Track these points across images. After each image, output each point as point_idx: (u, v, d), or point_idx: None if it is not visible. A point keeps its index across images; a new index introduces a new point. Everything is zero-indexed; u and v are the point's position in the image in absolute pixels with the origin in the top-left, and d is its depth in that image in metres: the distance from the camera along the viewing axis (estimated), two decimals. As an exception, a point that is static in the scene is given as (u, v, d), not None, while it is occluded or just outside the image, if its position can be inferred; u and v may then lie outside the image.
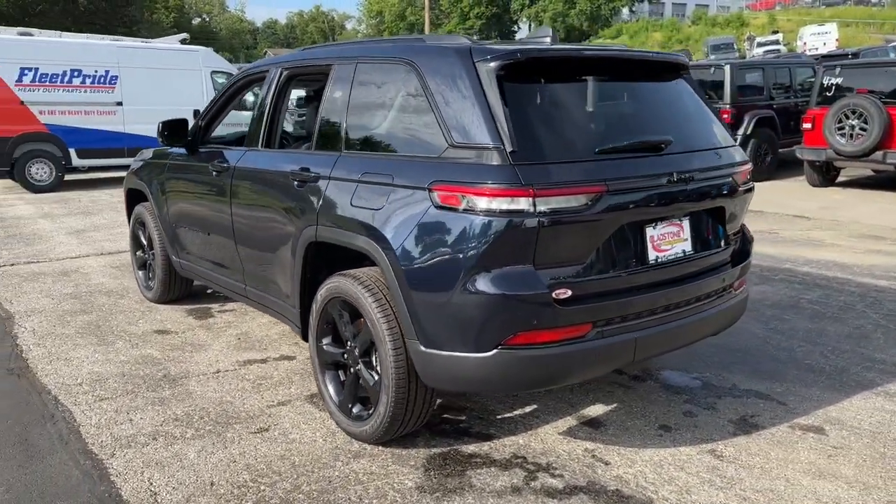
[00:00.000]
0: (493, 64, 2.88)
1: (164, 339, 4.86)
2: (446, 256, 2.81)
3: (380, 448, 3.32)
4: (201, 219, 4.71)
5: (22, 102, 11.91)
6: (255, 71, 4.49)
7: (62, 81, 12.29)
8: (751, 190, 3.55)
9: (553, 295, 2.76)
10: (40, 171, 12.30)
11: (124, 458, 3.28)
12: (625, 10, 57.91)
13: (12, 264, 7.14)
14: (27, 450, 3.38)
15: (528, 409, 3.72)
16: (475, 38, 3.64)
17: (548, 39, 3.34)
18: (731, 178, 3.33)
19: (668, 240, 3.09)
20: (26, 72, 11.94)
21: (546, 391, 3.87)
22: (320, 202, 3.42)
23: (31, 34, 13.68)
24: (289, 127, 4.23)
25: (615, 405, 3.76)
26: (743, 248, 3.58)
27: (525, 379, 2.86)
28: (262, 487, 3.02)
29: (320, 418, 3.64)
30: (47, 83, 12.14)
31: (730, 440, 3.38)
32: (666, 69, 3.50)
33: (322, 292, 3.43)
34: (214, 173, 4.43)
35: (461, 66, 2.95)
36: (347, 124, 3.49)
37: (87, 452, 3.33)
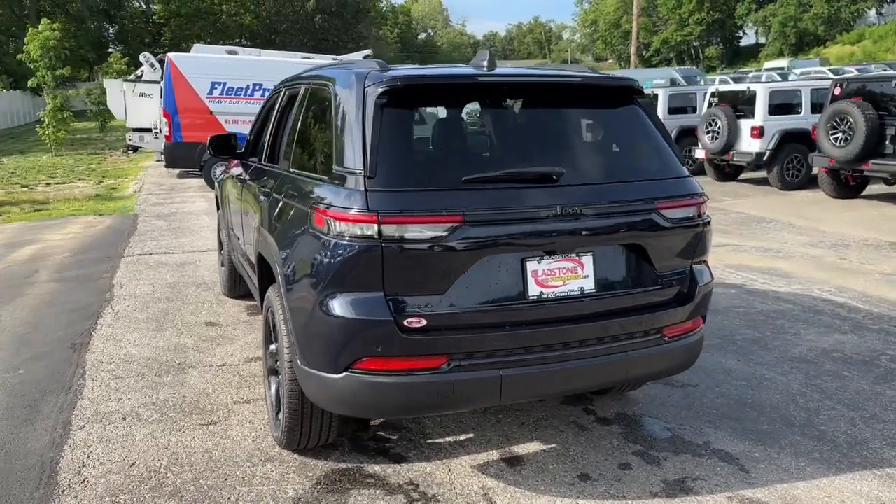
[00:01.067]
0: (378, 90, 2.89)
1: (206, 331, 5.38)
2: (312, 277, 2.87)
3: (293, 455, 3.45)
4: (235, 223, 5.16)
5: (211, 112, 13.63)
6: (279, 87, 4.83)
7: (245, 94, 13.86)
8: (703, 225, 3.15)
9: (405, 323, 2.71)
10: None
11: (88, 431, 3.74)
12: (871, 13, 51.72)
13: (150, 254, 8.25)
14: (30, 413, 3.98)
15: (462, 436, 3.63)
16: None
17: (485, 63, 3.25)
18: (654, 213, 2.99)
19: (559, 276, 2.87)
20: (216, 85, 13.66)
21: (494, 420, 3.75)
22: (263, 215, 3.64)
23: (236, 52, 15.62)
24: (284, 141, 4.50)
25: (553, 445, 3.53)
26: (690, 290, 3.18)
27: (376, 405, 2.84)
28: (168, 475, 3.30)
29: (267, 420, 3.84)
30: (232, 96, 13.78)
31: (643, 502, 3.05)
32: (601, 94, 3.22)
33: (265, 302, 3.65)
34: (239, 183, 4.84)
35: (354, 91, 2.99)
36: (295, 143, 3.67)
37: (66, 423, 3.85)
